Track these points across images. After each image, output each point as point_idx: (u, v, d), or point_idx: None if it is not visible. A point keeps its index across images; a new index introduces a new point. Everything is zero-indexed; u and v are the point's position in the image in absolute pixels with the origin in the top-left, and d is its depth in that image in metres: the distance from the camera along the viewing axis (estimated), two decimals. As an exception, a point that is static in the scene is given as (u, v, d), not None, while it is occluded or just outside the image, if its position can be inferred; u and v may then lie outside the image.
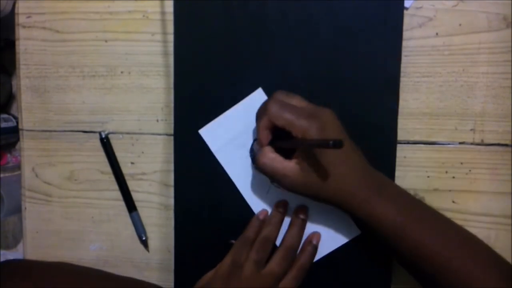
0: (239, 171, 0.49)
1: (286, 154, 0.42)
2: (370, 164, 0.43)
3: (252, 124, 0.46)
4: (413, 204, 0.43)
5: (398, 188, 0.44)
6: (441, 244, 0.40)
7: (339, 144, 0.34)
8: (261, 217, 0.48)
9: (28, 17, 0.51)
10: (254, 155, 0.48)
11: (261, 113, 0.42)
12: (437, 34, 0.46)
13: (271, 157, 0.42)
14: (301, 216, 0.47)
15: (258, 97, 0.48)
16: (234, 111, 0.48)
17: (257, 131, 0.43)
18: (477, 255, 0.40)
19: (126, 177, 0.52)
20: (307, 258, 0.47)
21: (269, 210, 0.49)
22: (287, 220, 0.48)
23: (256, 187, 0.49)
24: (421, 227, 0.41)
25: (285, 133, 0.41)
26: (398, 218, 0.41)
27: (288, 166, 0.41)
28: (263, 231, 0.47)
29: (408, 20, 0.46)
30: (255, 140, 0.48)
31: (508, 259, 0.41)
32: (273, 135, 0.43)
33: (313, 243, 0.47)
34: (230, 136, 0.48)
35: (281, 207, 0.48)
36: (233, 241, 0.48)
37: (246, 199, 0.49)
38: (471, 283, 0.38)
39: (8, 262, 0.53)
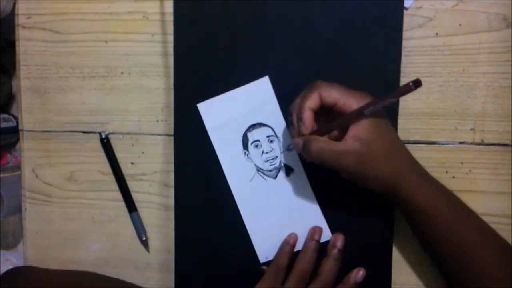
0: (228, 153, 0.49)
1: None
2: None
3: (251, 110, 0.46)
4: (450, 194, 0.43)
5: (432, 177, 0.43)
6: (480, 242, 0.41)
7: (418, 82, 0.34)
8: (291, 242, 0.47)
9: (28, 18, 0.51)
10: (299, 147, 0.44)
11: (307, 92, 0.41)
12: (437, 34, 0.46)
13: (322, 140, 0.40)
14: (338, 246, 0.47)
15: (262, 84, 0.47)
16: (236, 93, 0.48)
17: (299, 114, 0.41)
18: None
19: (126, 178, 0.52)
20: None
21: (250, 195, 0.48)
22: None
23: (241, 173, 0.49)
24: (464, 219, 0.41)
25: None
26: (446, 207, 0.41)
27: (348, 144, 0.39)
28: (301, 262, 0.46)
29: (408, 20, 0.46)
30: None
31: (508, 259, 0.42)
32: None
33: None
34: (227, 117, 0.48)
35: (317, 235, 0.47)
36: (264, 267, 0.48)
37: (229, 183, 0.49)
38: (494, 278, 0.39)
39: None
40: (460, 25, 0.46)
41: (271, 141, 0.48)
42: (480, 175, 0.47)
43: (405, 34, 0.46)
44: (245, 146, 0.48)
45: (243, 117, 0.48)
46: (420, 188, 0.41)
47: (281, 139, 0.48)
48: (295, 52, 0.47)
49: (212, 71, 0.48)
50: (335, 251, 0.46)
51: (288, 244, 0.47)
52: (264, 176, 0.48)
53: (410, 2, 0.46)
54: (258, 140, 0.48)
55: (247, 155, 0.48)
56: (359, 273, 0.47)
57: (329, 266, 0.46)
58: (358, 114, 0.39)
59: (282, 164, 0.48)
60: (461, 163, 0.47)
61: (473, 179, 0.47)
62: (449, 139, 0.47)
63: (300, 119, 0.41)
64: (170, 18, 0.49)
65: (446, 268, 0.43)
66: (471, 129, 0.47)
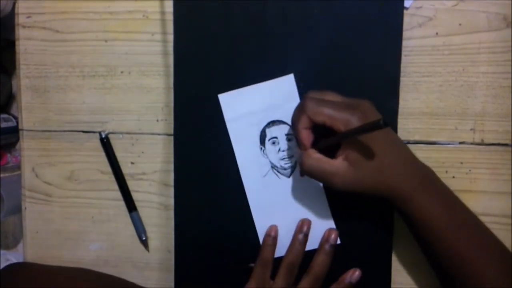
0: (244, 147, 0.48)
1: (329, 155, 0.41)
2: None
3: (272, 106, 0.46)
4: (456, 205, 0.42)
5: (443, 184, 0.42)
6: (478, 254, 0.40)
7: (388, 122, 0.33)
8: (272, 234, 0.48)
9: (28, 17, 0.51)
10: (297, 162, 0.48)
11: (298, 114, 0.41)
12: (437, 34, 0.46)
13: (316, 157, 0.41)
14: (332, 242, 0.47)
15: (286, 82, 0.47)
16: (258, 87, 0.48)
17: (296, 134, 0.42)
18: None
19: (126, 177, 0.52)
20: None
21: (262, 191, 0.48)
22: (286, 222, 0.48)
23: (255, 168, 0.48)
24: (461, 232, 0.40)
25: (324, 135, 0.41)
26: (442, 217, 0.40)
27: (336, 164, 0.40)
28: (288, 255, 0.47)
29: (408, 20, 0.46)
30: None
31: (508, 259, 0.42)
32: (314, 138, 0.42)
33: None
34: (247, 110, 0.48)
35: (305, 227, 0.47)
36: (252, 265, 0.48)
37: (242, 177, 0.48)
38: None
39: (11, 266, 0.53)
40: (460, 25, 0.46)
41: (289, 140, 0.48)
42: (480, 175, 0.47)
43: (405, 34, 0.46)
44: (262, 141, 0.48)
45: (263, 112, 0.48)
46: (414, 199, 0.40)
47: None
48: (295, 52, 0.47)
49: (212, 70, 0.48)
50: (327, 246, 0.46)
51: (269, 236, 0.48)
52: (278, 174, 0.48)
53: (410, 2, 0.46)
54: (276, 137, 0.48)
55: (263, 151, 0.48)
56: (355, 274, 0.47)
57: (320, 260, 0.46)
58: (346, 135, 0.39)
59: (298, 164, 0.48)
60: (461, 163, 0.47)
61: (473, 179, 0.47)
62: (449, 139, 0.47)
63: (296, 138, 0.42)
64: (170, 17, 0.49)
65: (442, 278, 0.43)
66: (471, 129, 0.47)
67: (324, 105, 0.40)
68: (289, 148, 0.48)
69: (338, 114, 0.39)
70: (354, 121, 0.38)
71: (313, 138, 0.42)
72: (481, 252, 0.40)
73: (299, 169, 0.44)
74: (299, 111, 0.41)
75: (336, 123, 0.39)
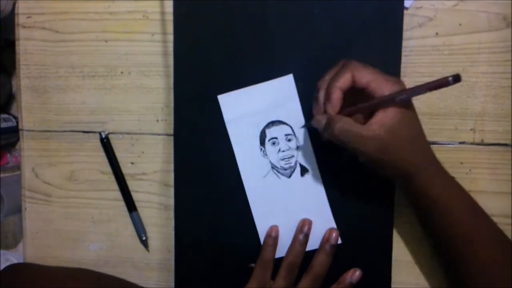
0: (244, 148, 0.48)
1: None
2: None
3: (272, 107, 0.46)
4: (464, 192, 0.43)
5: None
6: (482, 236, 0.41)
7: (458, 78, 0.34)
8: (273, 234, 0.48)
9: (28, 17, 0.51)
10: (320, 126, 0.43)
11: (340, 71, 0.40)
12: (437, 34, 0.46)
13: (347, 120, 0.40)
14: (332, 243, 0.47)
15: (286, 82, 0.47)
16: (258, 88, 0.48)
17: (328, 93, 0.41)
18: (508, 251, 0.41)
19: (126, 177, 0.52)
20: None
21: (262, 192, 0.48)
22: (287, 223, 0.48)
23: (255, 169, 0.48)
24: (476, 216, 0.42)
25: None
26: (457, 197, 0.42)
27: (373, 128, 0.39)
28: (289, 255, 0.47)
29: (408, 20, 0.46)
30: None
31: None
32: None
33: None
34: (247, 111, 0.48)
35: (306, 227, 0.47)
36: (252, 265, 0.48)
37: (242, 177, 0.48)
38: (497, 276, 0.39)
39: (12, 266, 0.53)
40: (460, 25, 0.46)
41: (289, 140, 0.48)
42: (480, 175, 0.47)
43: (405, 34, 0.46)
44: (262, 142, 0.48)
45: (262, 113, 0.48)
46: (436, 181, 0.41)
47: (299, 138, 0.48)
48: (295, 52, 0.47)
49: (212, 70, 0.48)
50: (328, 246, 0.46)
51: (270, 236, 0.48)
52: (278, 174, 0.48)
53: (410, 2, 0.46)
54: (276, 138, 0.48)
55: (263, 152, 0.48)
56: (355, 274, 0.47)
57: (320, 260, 0.46)
58: (389, 100, 0.39)
59: (298, 164, 0.48)
60: (461, 163, 0.47)
61: (473, 179, 0.47)
62: (449, 139, 0.47)
63: (328, 98, 0.41)
64: (170, 17, 0.49)
65: (449, 264, 0.43)
66: (471, 129, 0.47)
67: (371, 69, 0.40)
68: (289, 149, 0.48)
69: (382, 78, 0.39)
70: (399, 86, 0.39)
71: (341, 104, 0.41)
72: (485, 234, 0.41)
73: (324, 134, 0.42)
74: (342, 68, 0.40)
75: (382, 86, 0.39)
